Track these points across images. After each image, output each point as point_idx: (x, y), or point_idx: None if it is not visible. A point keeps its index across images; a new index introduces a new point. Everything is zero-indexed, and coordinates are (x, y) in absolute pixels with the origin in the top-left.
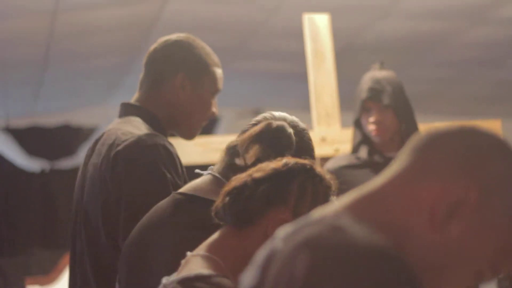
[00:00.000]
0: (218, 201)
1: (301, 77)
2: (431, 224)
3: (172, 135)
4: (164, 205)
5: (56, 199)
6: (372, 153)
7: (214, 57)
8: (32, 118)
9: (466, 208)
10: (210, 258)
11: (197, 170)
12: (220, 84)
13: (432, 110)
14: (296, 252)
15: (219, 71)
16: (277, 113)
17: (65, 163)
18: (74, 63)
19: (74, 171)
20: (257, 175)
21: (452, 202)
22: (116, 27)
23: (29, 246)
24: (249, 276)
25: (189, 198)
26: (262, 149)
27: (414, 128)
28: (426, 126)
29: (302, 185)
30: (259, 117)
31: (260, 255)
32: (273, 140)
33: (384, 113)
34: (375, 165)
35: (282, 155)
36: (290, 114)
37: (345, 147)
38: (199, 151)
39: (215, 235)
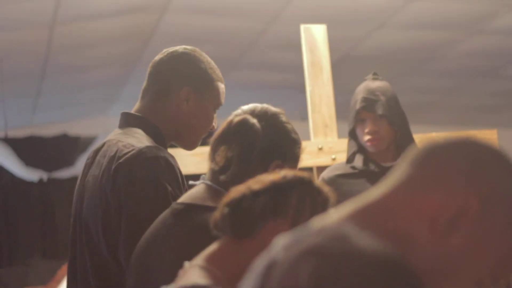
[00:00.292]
0: (217, 213)
1: (299, 88)
2: (432, 234)
3: (172, 145)
4: (163, 217)
5: (55, 210)
6: (368, 163)
7: (218, 72)
8: (30, 129)
9: (466, 219)
10: (208, 268)
11: (191, 182)
12: (222, 98)
13: (429, 120)
14: (299, 261)
15: (222, 86)
16: (246, 106)
17: (63, 173)
18: (71, 75)
19: (72, 181)
20: (256, 187)
21: (453, 213)
22: (113, 39)
23: (27, 257)
24: (248, 285)
25: (186, 207)
26: (228, 148)
27: (409, 138)
28: (422, 136)
29: (300, 197)
30: (230, 116)
31: (259, 263)
32: (236, 136)
33: (378, 123)
34: (370, 175)
35: (251, 147)
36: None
37: (342, 157)
38: (196, 161)
39: (213, 246)
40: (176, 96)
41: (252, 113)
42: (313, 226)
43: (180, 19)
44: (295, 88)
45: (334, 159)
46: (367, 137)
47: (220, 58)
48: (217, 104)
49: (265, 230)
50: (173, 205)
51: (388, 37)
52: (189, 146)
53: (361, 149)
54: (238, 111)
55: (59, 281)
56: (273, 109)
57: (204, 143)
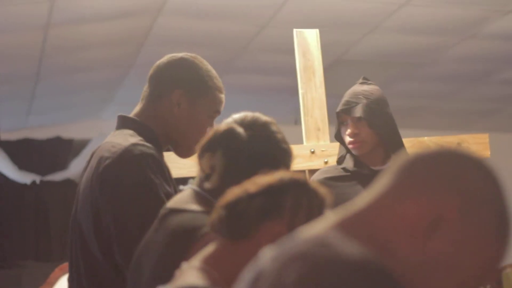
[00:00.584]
0: (214, 215)
1: (291, 91)
2: (412, 240)
3: (169, 150)
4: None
5: (48, 212)
6: (357, 165)
7: (217, 82)
8: (23, 132)
9: (445, 224)
10: (205, 269)
11: (180, 186)
12: (219, 108)
13: (420, 125)
14: (285, 269)
15: (219, 96)
16: (237, 115)
17: (56, 176)
18: (65, 77)
19: (65, 184)
20: (252, 189)
21: (432, 219)
22: (107, 41)
23: (21, 259)
24: None
25: (169, 211)
26: (212, 156)
27: (397, 142)
28: (414, 140)
29: (297, 199)
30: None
31: (247, 274)
32: (221, 145)
33: (357, 125)
34: (360, 177)
35: (235, 156)
36: (280, 128)
37: (335, 160)
38: (190, 164)
39: (210, 248)
40: (168, 99)
41: (242, 122)
42: (299, 236)
43: (174, 23)
44: (288, 91)
45: (326, 163)
46: (347, 140)
47: (213, 61)
48: (213, 112)
49: (262, 232)
50: (161, 209)
51: (381, 41)
52: (183, 153)
53: (349, 152)
54: (229, 119)
55: (52, 284)
56: (263, 118)
57: None
